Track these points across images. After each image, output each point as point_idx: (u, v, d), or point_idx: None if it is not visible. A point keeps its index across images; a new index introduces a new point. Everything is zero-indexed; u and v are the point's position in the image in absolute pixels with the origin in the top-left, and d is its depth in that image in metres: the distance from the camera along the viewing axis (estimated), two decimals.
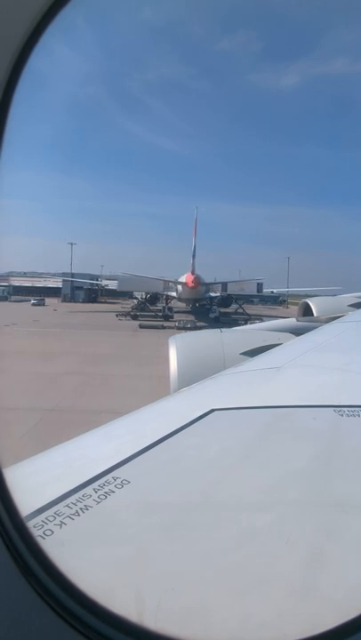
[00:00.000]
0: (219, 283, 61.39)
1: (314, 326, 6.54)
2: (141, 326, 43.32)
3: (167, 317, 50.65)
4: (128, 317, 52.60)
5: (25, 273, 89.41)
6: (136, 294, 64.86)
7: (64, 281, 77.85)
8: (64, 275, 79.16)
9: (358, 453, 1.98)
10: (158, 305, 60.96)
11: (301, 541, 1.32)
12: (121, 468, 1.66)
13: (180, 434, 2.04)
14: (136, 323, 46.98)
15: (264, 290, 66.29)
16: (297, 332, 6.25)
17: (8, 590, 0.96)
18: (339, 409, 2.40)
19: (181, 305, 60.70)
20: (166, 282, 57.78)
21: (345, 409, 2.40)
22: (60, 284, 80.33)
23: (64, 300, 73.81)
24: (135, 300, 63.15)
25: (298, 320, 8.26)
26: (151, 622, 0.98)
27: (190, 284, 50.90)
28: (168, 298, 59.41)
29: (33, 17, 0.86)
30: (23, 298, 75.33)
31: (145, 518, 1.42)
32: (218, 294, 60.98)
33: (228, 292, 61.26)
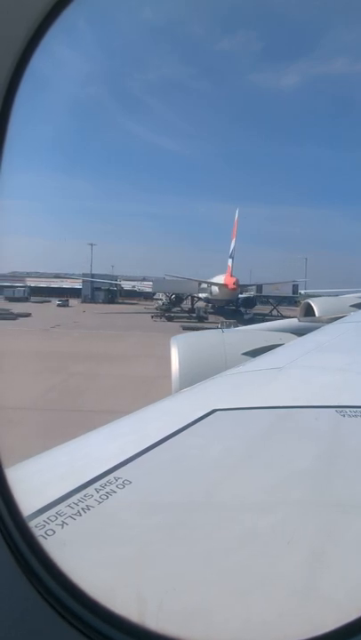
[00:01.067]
0: (253, 285, 62.16)
1: (316, 326, 6.54)
2: (184, 328, 42.52)
3: (201, 319, 50.71)
4: (163, 319, 52.53)
5: (28, 273, 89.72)
6: (158, 295, 66.03)
7: (84, 282, 78.39)
8: (84, 275, 79.96)
9: (360, 454, 1.98)
10: (182, 306, 61.84)
11: (303, 542, 1.31)
12: (123, 468, 1.66)
13: (181, 434, 2.04)
14: (173, 324, 46.38)
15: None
16: (299, 332, 6.25)
17: (10, 590, 0.96)
18: (340, 409, 2.40)
19: (201, 304, 61.37)
20: (204, 283, 58.32)
21: (347, 409, 2.39)
22: (75, 285, 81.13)
23: (84, 301, 74.21)
24: (160, 301, 63.80)
25: (300, 320, 8.25)
26: (152, 622, 0.98)
27: (231, 286, 51.50)
28: (194, 299, 60.12)
29: (34, 18, 0.87)
30: (43, 299, 75.13)
31: (146, 518, 1.42)
32: (244, 295, 61.63)
33: (264, 294, 62.26)
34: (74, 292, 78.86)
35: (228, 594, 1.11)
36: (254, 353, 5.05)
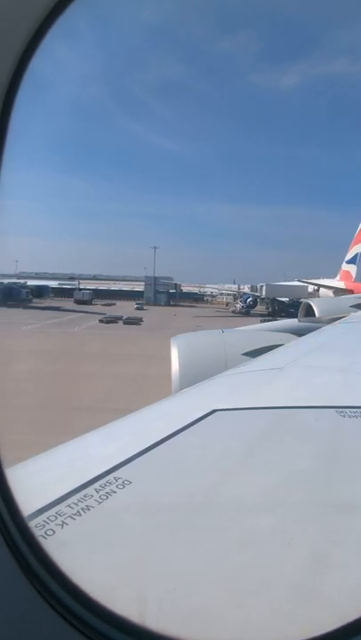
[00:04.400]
0: None
1: (316, 327, 6.53)
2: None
3: None
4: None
5: (37, 273, 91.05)
6: (220, 297, 74.27)
7: (146, 284, 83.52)
8: (147, 278, 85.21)
9: (360, 454, 1.97)
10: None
11: (304, 543, 1.31)
12: (122, 468, 1.66)
13: (181, 434, 2.04)
14: None
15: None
16: (299, 332, 6.24)
17: (10, 590, 0.96)
18: (341, 410, 2.40)
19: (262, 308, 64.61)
20: (314, 286, 59.66)
21: (347, 410, 2.39)
22: (123, 287, 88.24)
23: (147, 303, 77.81)
24: (239, 305, 68.65)
25: (300, 321, 8.26)
26: (152, 623, 0.98)
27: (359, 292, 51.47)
28: (273, 301, 62.79)
29: (35, 19, 0.87)
30: (108, 301, 78.47)
31: (146, 519, 1.42)
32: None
33: None
34: (123, 294, 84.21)
35: (229, 594, 1.11)
36: (254, 353, 5.04)
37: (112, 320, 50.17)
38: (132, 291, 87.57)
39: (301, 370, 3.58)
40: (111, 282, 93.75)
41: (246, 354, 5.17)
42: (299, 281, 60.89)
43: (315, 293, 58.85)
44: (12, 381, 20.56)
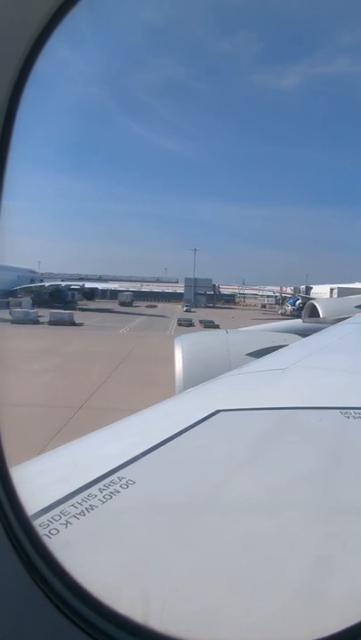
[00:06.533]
0: None
1: (320, 327, 6.51)
2: None
3: None
4: None
5: (42, 274, 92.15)
6: (258, 299, 77.75)
7: (186, 286, 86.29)
8: (187, 280, 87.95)
9: None
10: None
11: (307, 544, 1.31)
12: (126, 468, 1.66)
13: (185, 434, 2.04)
14: None
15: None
16: (303, 333, 6.23)
17: (14, 589, 0.97)
18: (345, 411, 2.39)
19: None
20: None
21: (351, 411, 2.38)
22: (154, 289, 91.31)
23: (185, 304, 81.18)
24: (290, 307, 71.11)
25: (304, 321, 8.23)
26: (156, 623, 0.98)
27: None
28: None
29: (38, 22, 0.88)
30: (149, 303, 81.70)
31: (150, 519, 1.42)
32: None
33: None
34: (153, 296, 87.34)
35: (232, 595, 1.11)
36: (258, 354, 5.04)
37: (190, 323, 52.44)
38: (164, 292, 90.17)
39: (305, 370, 3.57)
40: (143, 283, 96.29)
41: (250, 354, 5.17)
42: None
43: None
44: None
